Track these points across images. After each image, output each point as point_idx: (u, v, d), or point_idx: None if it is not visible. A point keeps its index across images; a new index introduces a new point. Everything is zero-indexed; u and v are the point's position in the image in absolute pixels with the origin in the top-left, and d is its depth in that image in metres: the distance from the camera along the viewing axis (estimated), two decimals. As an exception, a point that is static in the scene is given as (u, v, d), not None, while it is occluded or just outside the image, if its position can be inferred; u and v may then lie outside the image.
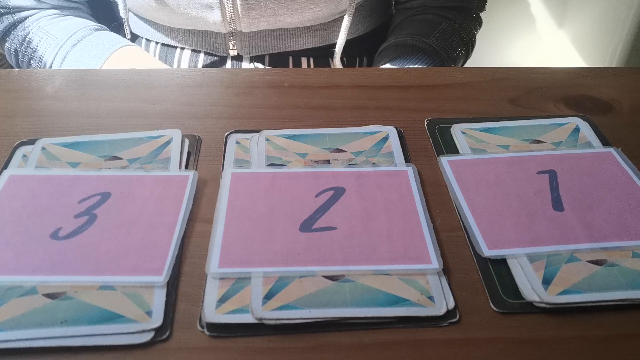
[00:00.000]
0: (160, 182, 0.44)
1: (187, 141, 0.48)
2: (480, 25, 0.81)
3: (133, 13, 0.75)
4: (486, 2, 0.81)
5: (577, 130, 0.51)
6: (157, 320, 0.34)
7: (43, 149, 0.47)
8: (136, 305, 0.35)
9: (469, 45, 0.78)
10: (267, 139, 0.48)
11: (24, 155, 0.46)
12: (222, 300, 0.35)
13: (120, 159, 0.46)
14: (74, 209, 0.41)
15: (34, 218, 0.40)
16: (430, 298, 0.36)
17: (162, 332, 0.34)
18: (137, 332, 0.33)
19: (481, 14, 0.81)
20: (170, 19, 0.71)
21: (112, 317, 0.34)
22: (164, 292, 0.36)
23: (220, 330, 0.34)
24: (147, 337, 0.33)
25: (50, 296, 0.35)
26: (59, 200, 0.42)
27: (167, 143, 0.47)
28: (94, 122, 0.51)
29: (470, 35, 0.78)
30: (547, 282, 0.36)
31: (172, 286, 0.36)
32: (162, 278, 0.36)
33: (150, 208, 0.41)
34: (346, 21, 0.71)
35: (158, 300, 0.35)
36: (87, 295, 0.35)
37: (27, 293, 0.35)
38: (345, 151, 0.47)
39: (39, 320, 0.34)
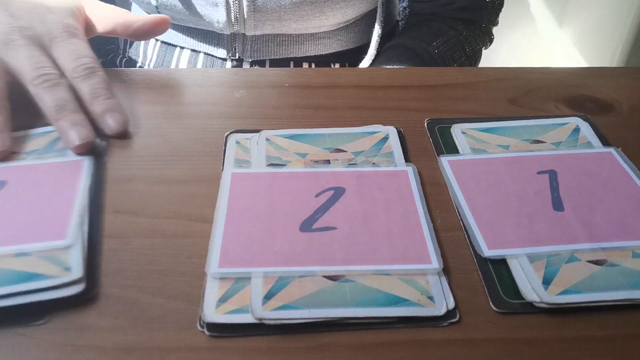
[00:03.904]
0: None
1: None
2: (490, 42, 0.81)
3: (135, 3, 0.75)
4: (498, 16, 0.80)
5: (577, 130, 0.51)
6: (77, 273, 0.35)
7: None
8: (53, 264, 0.35)
9: (471, 59, 0.78)
10: (267, 139, 0.48)
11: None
12: (222, 300, 0.35)
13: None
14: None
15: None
16: (430, 298, 0.36)
17: (162, 332, 0.33)
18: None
19: (493, 29, 0.80)
20: (173, 14, 0.71)
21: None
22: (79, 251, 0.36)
23: (220, 330, 0.34)
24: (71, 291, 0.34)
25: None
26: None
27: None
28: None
29: (475, 50, 0.78)
30: (547, 282, 0.36)
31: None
32: None
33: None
34: (379, 15, 0.70)
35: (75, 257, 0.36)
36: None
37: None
38: (345, 151, 0.47)
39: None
